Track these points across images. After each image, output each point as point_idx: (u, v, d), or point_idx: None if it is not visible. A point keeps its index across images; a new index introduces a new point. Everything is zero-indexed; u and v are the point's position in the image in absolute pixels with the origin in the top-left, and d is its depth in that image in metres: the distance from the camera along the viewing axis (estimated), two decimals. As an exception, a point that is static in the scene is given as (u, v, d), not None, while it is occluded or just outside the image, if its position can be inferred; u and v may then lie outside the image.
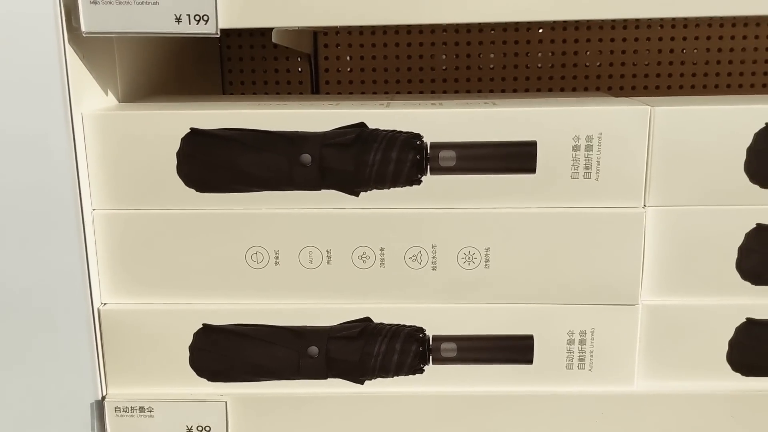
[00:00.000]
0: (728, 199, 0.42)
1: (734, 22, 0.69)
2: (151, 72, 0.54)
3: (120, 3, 0.40)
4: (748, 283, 0.43)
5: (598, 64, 0.70)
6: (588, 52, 0.70)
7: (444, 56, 0.70)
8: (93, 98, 0.44)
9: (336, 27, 0.69)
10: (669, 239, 0.43)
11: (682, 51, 0.70)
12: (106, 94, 0.46)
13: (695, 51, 0.70)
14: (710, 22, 0.69)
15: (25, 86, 0.40)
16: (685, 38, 0.70)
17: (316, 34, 0.70)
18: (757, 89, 0.70)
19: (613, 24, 0.69)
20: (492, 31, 0.70)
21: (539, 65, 0.70)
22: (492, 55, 0.70)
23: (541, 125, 0.41)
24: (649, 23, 0.69)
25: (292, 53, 0.71)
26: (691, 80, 0.70)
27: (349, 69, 0.72)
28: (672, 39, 0.70)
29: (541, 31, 0.69)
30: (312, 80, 0.71)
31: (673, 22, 0.69)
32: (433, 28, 0.70)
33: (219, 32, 0.40)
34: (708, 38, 0.69)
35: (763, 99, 0.44)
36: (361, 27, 0.70)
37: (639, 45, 0.70)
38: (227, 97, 0.52)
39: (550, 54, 0.70)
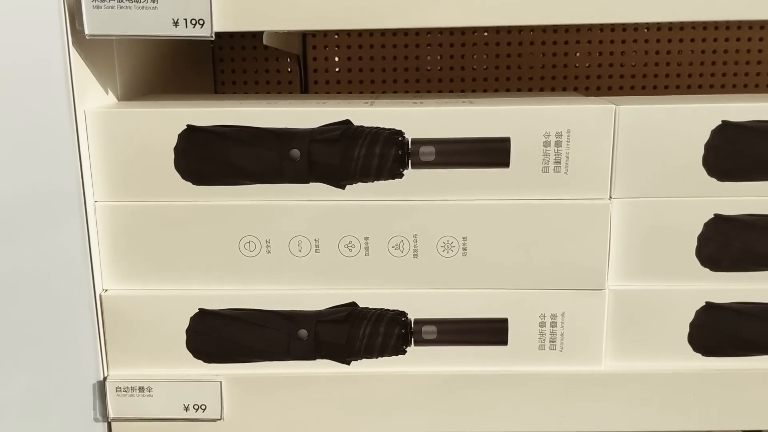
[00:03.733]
0: (688, 191, 0.45)
1: (716, 25, 0.72)
2: (148, 72, 0.57)
3: (121, 7, 0.42)
4: (706, 270, 0.46)
5: (587, 64, 0.73)
6: (577, 54, 0.73)
7: (428, 57, 0.73)
8: (94, 96, 0.47)
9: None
10: (633, 229, 0.46)
11: (668, 53, 0.73)
12: (107, 93, 0.49)
13: (680, 53, 0.73)
14: (694, 25, 0.73)
15: (31, 85, 0.43)
16: (669, 40, 0.73)
17: (305, 35, 0.73)
18: (739, 89, 0.74)
19: (601, 27, 0.72)
20: (475, 33, 0.73)
21: (531, 66, 0.73)
22: (475, 56, 0.73)
23: (514, 123, 0.44)
24: (636, 26, 0.73)
25: (282, 54, 0.74)
26: (677, 81, 0.74)
27: (336, 69, 0.74)
28: (657, 41, 0.73)
29: (531, 33, 0.72)
30: (301, 80, 0.74)
31: (659, 25, 0.72)
32: (417, 31, 0.73)
33: (214, 35, 0.43)
34: (692, 40, 0.73)
35: (720, 98, 0.47)
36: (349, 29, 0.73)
37: (626, 47, 0.73)
38: (220, 96, 0.55)
39: (541, 55, 0.73)
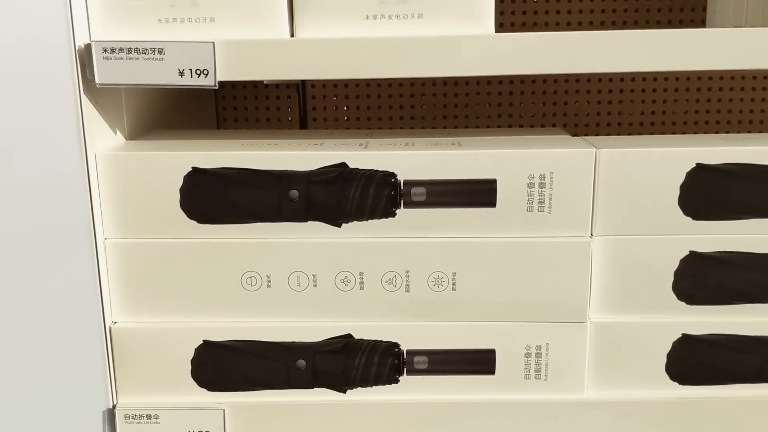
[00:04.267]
0: (665, 230, 0.48)
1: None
2: (154, 110, 0.60)
3: (129, 58, 0.45)
4: (683, 303, 0.49)
5: (575, 101, 0.76)
6: (565, 92, 0.76)
7: (422, 95, 0.76)
8: (104, 137, 0.50)
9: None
10: (613, 265, 0.48)
11: (653, 90, 0.76)
12: (115, 133, 0.52)
13: (665, 91, 0.76)
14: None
15: (46, 131, 0.46)
16: (655, 78, 0.76)
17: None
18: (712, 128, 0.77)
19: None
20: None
21: (521, 103, 0.76)
22: (467, 94, 0.76)
23: (500, 165, 0.47)
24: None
25: (282, 89, 0.77)
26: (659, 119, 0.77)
27: (335, 107, 0.77)
28: (633, 80, 0.76)
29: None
30: (300, 111, 0.77)
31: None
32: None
33: (217, 84, 0.46)
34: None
35: (696, 140, 0.50)
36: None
37: (612, 85, 0.76)
38: (222, 132, 0.57)
39: (531, 93, 0.76)
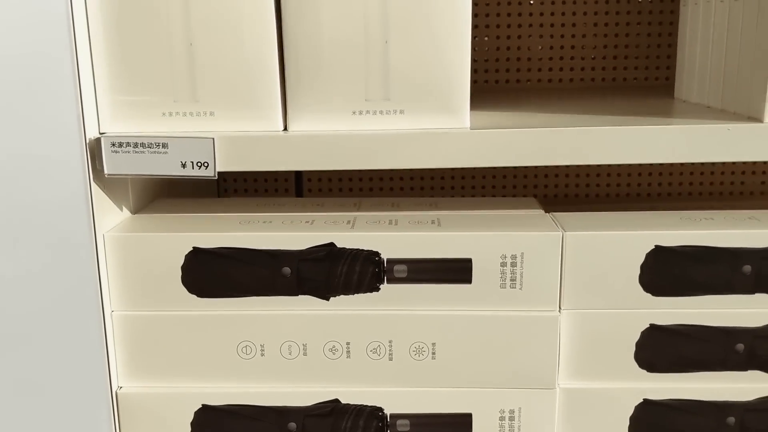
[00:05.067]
0: (627, 304, 0.52)
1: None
2: (157, 184, 0.64)
3: (136, 152, 0.49)
4: (644, 371, 0.53)
5: (545, 174, 0.81)
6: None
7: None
8: (111, 215, 0.54)
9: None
10: (580, 336, 0.53)
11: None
12: (121, 210, 0.56)
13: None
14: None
15: (58, 216, 0.50)
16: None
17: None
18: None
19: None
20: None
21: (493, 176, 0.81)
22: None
23: (475, 246, 0.51)
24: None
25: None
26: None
27: (329, 178, 0.81)
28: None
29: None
30: (296, 182, 0.81)
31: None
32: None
33: (217, 175, 0.50)
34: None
35: (656, 220, 0.54)
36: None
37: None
38: (221, 203, 0.61)
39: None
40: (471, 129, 0.50)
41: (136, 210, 0.59)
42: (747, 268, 0.51)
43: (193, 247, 0.52)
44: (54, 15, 0.48)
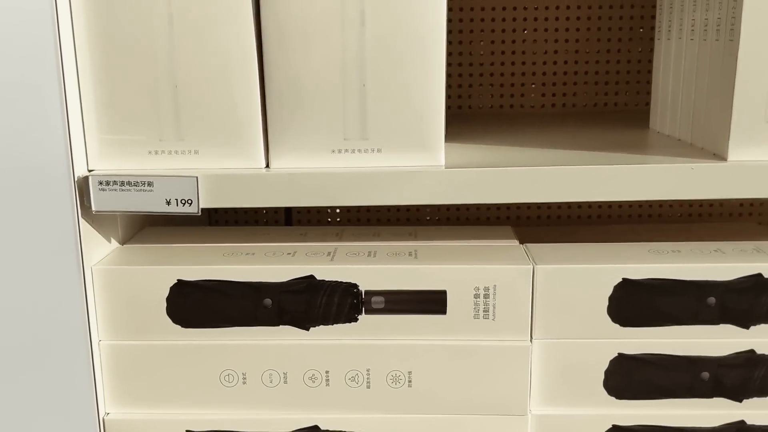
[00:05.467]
0: (596, 334, 0.54)
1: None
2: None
3: (122, 190, 0.51)
4: (613, 398, 0.55)
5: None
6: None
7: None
8: (99, 247, 0.56)
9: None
10: (551, 365, 0.55)
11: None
12: (110, 242, 0.58)
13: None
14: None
15: (48, 249, 0.52)
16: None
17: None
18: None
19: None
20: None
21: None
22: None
23: (450, 278, 0.53)
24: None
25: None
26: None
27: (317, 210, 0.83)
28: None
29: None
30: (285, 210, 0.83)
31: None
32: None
33: (200, 211, 0.52)
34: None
35: (625, 253, 0.56)
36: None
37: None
38: (207, 232, 0.63)
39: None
40: (446, 167, 0.52)
41: (125, 240, 0.61)
42: (711, 300, 0.53)
43: (178, 280, 0.54)
44: (43, 55, 0.49)
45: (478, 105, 0.83)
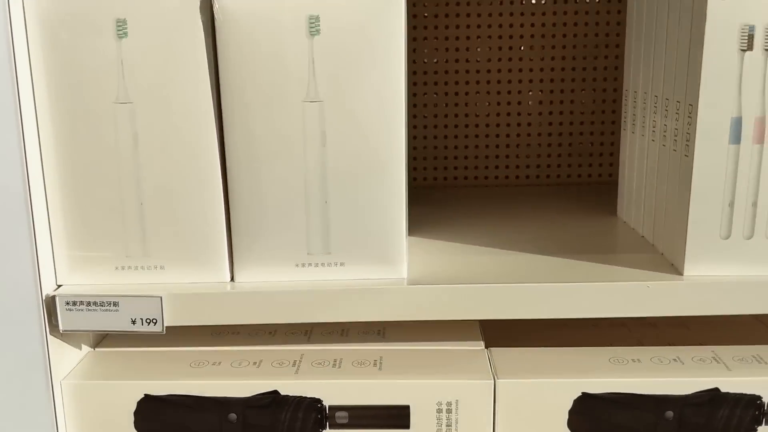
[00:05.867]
0: (557, 447, 0.55)
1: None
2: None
3: (89, 310, 0.52)
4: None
5: None
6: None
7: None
8: (70, 356, 0.57)
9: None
10: (513, 476, 0.55)
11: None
12: (80, 349, 0.59)
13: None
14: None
15: (15, 365, 0.53)
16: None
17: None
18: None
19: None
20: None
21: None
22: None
23: (413, 393, 0.54)
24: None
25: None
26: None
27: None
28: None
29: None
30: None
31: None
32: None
33: (165, 330, 0.53)
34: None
35: (586, 364, 0.57)
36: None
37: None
38: (181, 330, 0.64)
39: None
40: (408, 281, 0.54)
41: (96, 342, 0.62)
42: (669, 414, 0.54)
43: (145, 394, 0.54)
44: (11, 174, 0.50)
45: (443, 177, 0.84)
